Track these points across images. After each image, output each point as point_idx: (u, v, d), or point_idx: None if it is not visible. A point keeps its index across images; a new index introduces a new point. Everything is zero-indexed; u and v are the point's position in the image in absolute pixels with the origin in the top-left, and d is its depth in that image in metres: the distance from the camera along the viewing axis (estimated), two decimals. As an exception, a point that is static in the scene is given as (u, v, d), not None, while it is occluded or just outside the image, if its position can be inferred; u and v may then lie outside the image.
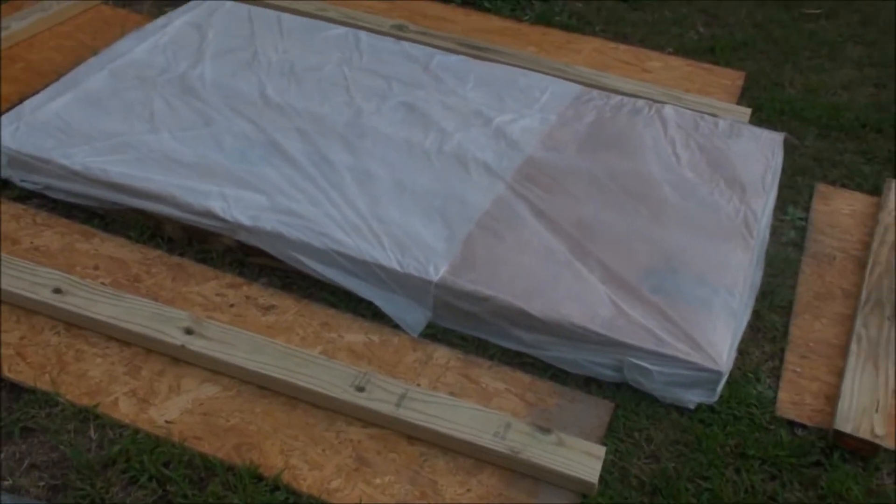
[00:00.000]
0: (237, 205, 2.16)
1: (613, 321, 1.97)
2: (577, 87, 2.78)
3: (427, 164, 2.39)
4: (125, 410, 1.78)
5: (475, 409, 1.82)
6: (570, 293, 2.04)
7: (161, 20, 2.92)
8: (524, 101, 2.69)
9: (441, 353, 1.99)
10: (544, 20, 3.33)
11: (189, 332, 1.90)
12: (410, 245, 2.11)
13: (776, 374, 2.02)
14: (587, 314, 1.98)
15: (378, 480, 1.71)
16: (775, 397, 1.96)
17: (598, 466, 1.73)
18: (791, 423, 1.92)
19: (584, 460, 1.74)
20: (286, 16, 3.01)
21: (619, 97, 2.75)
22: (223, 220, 2.13)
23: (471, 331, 2.04)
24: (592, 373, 1.96)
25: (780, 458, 1.82)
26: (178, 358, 1.89)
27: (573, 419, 1.87)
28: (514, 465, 1.75)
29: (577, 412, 1.89)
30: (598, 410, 1.90)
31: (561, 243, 2.17)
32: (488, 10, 3.37)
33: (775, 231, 2.43)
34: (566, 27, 3.31)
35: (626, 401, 1.92)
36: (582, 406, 1.91)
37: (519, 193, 2.31)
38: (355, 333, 2.01)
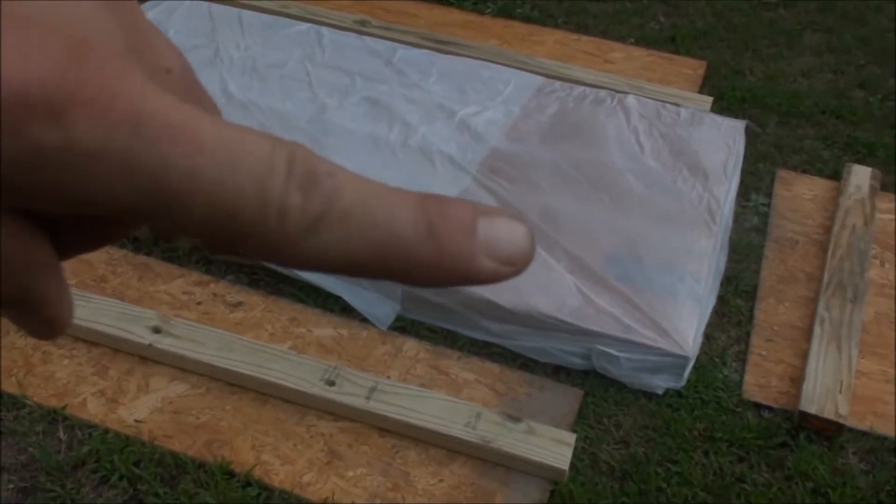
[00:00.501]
0: (202, 202, 2.15)
1: (581, 310, 1.99)
2: (539, 79, 2.80)
3: (392, 158, 2.39)
4: (94, 411, 1.77)
5: (445, 400, 1.84)
6: (537, 283, 2.05)
7: (121, 19, 2.90)
8: (487, 94, 2.70)
9: (410, 346, 2.00)
10: (506, 13, 3.35)
11: (157, 330, 1.90)
12: (377, 239, 2.11)
13: (742, 357, 2.05)
14: (555, 304, 2.00)
15: (350, 473, 1.71)
16: (741, 381, 1.99)
17: (569, 453, 1.75)
18: (757, 406, 1.95)
19: (554, 448, 1.75)
20: (247, 13, 3.00)
21: (581, 88, 2.77)
22: (188, 218, 2.12)
23: (440, 322, 2.05)
24: (561, 361, 1.98)
25: (747, 441, 1.85)
26: (147, 357, 1.88)
27: (543, 407, 1.89)
28: (485, 455, 1.76)
29: (547, 400, 1.91)
30: (568, 398, 1.92)
31: (527, 234, 2.18)
32: (451, 4, 3.37)
33: (738, 217, 2.46)
34: (528, 19, 3.32)
35: (595, 388, 1.94)
36: (552, 394, 1.92)
37: (485, 185, 2.33)
38: (324, 328, 2.01)
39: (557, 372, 1.98)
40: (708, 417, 1.89)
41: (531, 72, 2.85)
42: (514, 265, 0.23)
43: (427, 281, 0.22)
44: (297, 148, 0.20)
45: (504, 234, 0.23)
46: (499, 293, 2.00)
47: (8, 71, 0.17)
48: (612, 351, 1.92)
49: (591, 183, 2.37)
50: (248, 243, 0.20)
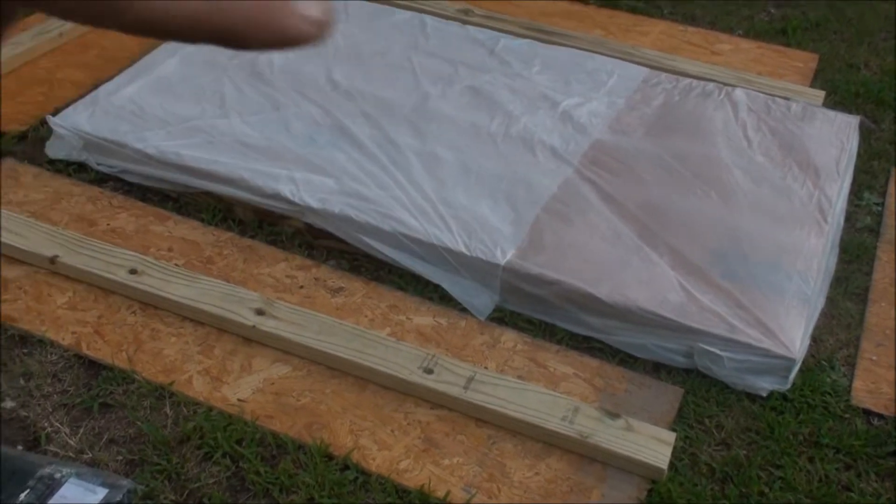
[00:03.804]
0: (306, 188, 2.18)
1: (683, 306, 1.95)
2: (644, 70, 2.75)
3: (493, 148, 2.38)
4: (199, 388, 1.82)
5: (543, 393, 1.82)
6: (638, 277, 2.02)
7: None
8: (591, 85, 2.66)
9: (508, 337, 1.99)
10: (611, 2, 3.30)
11: (260, 312, 1.93)
12: (477, 228, 2.11)
13: (851, 362, 1.98)
14: (656, 299, 1.96)
15: (447, 461, 1.72)
16: (850, 386, 1.92)
17: (668, 452, 1.71)
18: (867, 413, 1.88)
19: (653, 446, 1.73)
20: (353, 2, 3.02)
21: (688, 80, 2.71)
22: (292, 203, 2.16)
23: (538, 314, 2.04)
24: (662, 358, 1.94)
25: (855, 448, 1.79)
26: (250, 338, 1.92)
27: (642, 404, 1.86)
28: (582, 450, 1.74)
29: (647, 398, 1.88)
30: (668, 396, 1.88)
31: (629, 227, 2.15)
32: (554, -6, 3.34)
33: (850, 216, 2.38)
34: (633, 10, 3.27)
35: (695, 387, 1.90)
36: (651, 391, 1.89)
37: (586, 177, 2.30)
38: (423, 316, 2.02)
39: (657, 369, 1.94)
40: (814, 422, 1.83)
41: (636, 63, 2.80)
42: (320, 26, 0.28)
43: (250, 38, 0.27)
44: None
45: (308, 4, 0.28)
46: (599, 286, 1.97)
47: None
48: (716, 350, 1.88)
49: (696, 177, 2.32)
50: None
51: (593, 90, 2.64)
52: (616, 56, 2.83)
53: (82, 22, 0.22)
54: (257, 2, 0.26)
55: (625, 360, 1.96)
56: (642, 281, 2.01)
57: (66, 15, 0.22)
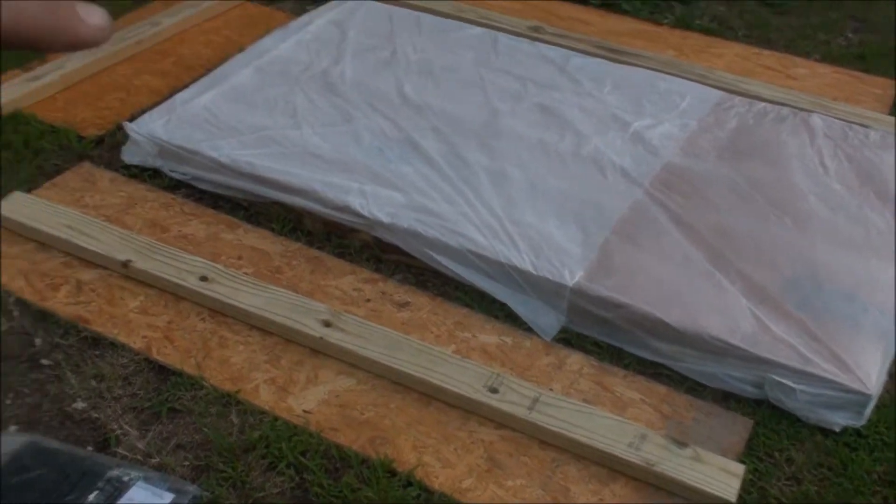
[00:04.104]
0: (375, 201, 2.19)
1: (755, 336, 1.91)
2: (718, 93, 2.71)
3: (563, 167, 2.37)
4: (265, 398, 1.83)
5: (609, 418, 1.80)
6: (709, 304, 1.99)
7: (304, 18, 2.99)
8: (663, 106, 2.64)
9: (574, 359, 1.97)
10: (684, 23, 3.27)
11: (327, 324, 1.94)
12: (545, 248, 2.09)
13: (928, 399, 1.93)
14: (727, 327, 1.93)
15: (510, 483, 1.70)
16: (927, 424, 1.87)
17: (737, 485, 1.68)
18: (944, 453, 1.82)
19: (721, 477, 1.69)
20: (425, 15, 3.04)
21: (762, 104, 2.66)
22: (361, 216, 2.17)
23: (605, 337, 2.01)
24: (731, 388, 1.91)
25: (931, 489, 1.73)
26: (316, 349, 1.93)
27: (710, 434, 1.83)
28: (648, 478, 1.71)
29: (715, 427, 1.84)
30: (737, 427, 1.85)
31: (700, 252, 2.12)
32: (626, 12, 3.32)
33: (929, 249, 2.31)
34: (707, 31, 3.23)
35: (766, 419, 1.86)
36: (720, 421, 1.86)
37: (657, 200, 2.27)
38: (488, 334, 2.01)
39: (727, 398, 1.91)
40: (889, 461, 1.78)
41: (709, 85, 2.77)
42: (103, 30, 0.34)
43: (50, 40, 0.33)
44: None
45: (93, 11, 0.34)
46: (668, 312, 1.95)
47: None
48: (788, 382, 1.84)
49: (770, 203, 2.27)
50: None
51: (665, 112, 2.61)
52: (689, 78, 2.80)
53: None
54: (54, 16, 0.33)
55: (693, 387, 1.92)
56: (713, 307, 1.97)
57: None
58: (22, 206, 2.21)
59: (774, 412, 1.87)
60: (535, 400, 1.81)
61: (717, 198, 2.29)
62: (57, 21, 0.33)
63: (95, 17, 0.34)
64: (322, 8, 3.06)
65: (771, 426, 1.84)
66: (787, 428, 1.84)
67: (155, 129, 2.40)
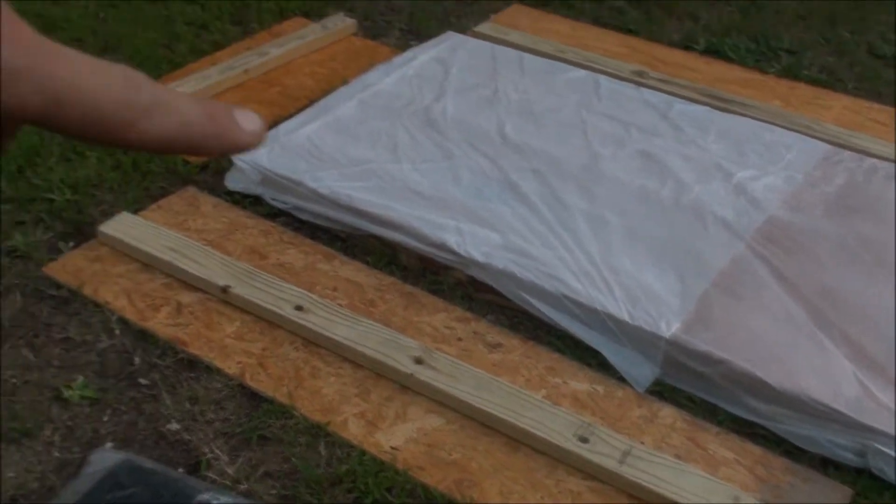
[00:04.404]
0: (471, 240, 2.19)
1: (859, 401, 1.84)
2: (825, 147, 2.65)
3: (662, 215, 2.34)
4: (354, 431, 1.83)
5: (702, 477, 1.75)
6: (811, 365, 1.92)
7: (408, 54, 3.03)
8: (768, 158, 2.58)
9: (667, 413, 1.93)
10: (791, 73, 3.20)
11: (419, 361, 1.94)
12: (642, 297, 2.06)
13: None
14: (829, 390, 1.86)
15: (597, 537, 1.66)
16: None
17: (835, 557, 1.61)
18: None
19: (819, 548, 1.63)
20: (528, 56, 3.04)
21: (872, 160, 2.59)
22: (457, 254, 2.17)
23: (700, 392, 1.97)
24: (831, 454, 1.84)
25: None
26: (406, 386, 1.93)
27: (807, 501, 1.76)
28: (741, 542, 1.66)
29: (812, 494, 1.78)
30: (836, 495, 1.77)
31: (803, 311, 2.06)
32: (731, 60, 3.27)
33: None
34: (815, 82, 3.16)
35: (867, 489, 1.78)
36: (817, 488, 1.79)
37: (759, 254, 2.21)
38: (580, 381, 1.98)
39: (825, 464, 1.84)
40: None
41: (816, 138, 2.70)
42: (257, 136, 0.36)
43: (211, 147, 0.35)
44: (128, 68, 0.32)
45: (248, 117, 0.36)
46: (768, 370, 1.89)
47: None
48: (892, 452, 1.76)
49: (878, 264, 2.20)
50: (104, 128, 0.31)
51: (770, 163, 2.55)
52: (796, 129, 2.74)
53: (89, 142, 0.33)
54: (214, 123, 0.35)
55: (790, 450, 1.86)
56: (815, 369, 1.91)
57: (74, 135, 0.33)
58: (128, 227, 2.28)
59: (876, 483, 1.79)
60: (626, 453, 1.78)
61: (823, 255, 2.22)
62: (216, 129, 0.35)
63: (251, 122, 0.36)
64: (426, 44, 3.09)
65: (872, 497, 1.77)
66: (889, 500, 1.76)
67: (259, 157, 2.45)
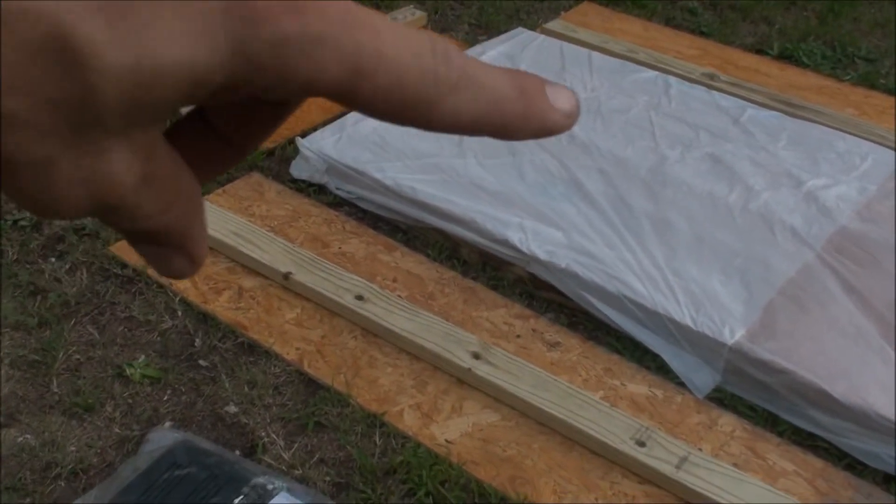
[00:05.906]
0: (534, 238, 2.18)
1: (928, 419, 1.79)
2: (901, 157, 2.58)
3: (729, 221, 2.29)
4: (409, 423, 1.83)
5: (761, 487, 1.72)
6: (878, 381, 1.87)
7: (477, 48, 3.02)
8: (841, 167, 2.52)
9: (726, 420, 1.89)
10: (867, 81, 3.12)
11: (476, 356, 1.93)
12: (706, 303, 2.03)
13: None
14: (897, 406, 1.81)
15: (650, 543, 1.64)
16: None
17: (897, 577, 1.57)
18: None
19: (880, 567, 1.58)
20: (596, 54, 3.02)
21: (950, 173, 2.51)
22: (519, 250, 2.16)
23: (761, 402, 1.93)
24: (894, 470, 1.79)
25: None
26: (463, 380, 1.92)
27: (869, 518, 1.71)
28: (799, 557, 1.62)
29: (875, 512, 1.73)
30: (900, 514, 1.73)
31: (872, 325, 2.00)
32: (806, 66, 3.20)
33: None
34: (892, 91, 3.08)
35: (933, 510, 1.73)
36: (880, 506, 1.74)
37: (828, 265, 2.16)
38: (638, 384, 1.96)
39: (888, 481, 1.79)
40: None
41: (891, 148, 2.63)
42: (571, 117, 0.30)
43: (517, 130, 0.29)
44: (435, 35, 0.28)
45: (562, 94, 0.30)
46: (833, 383, 1.85)
47: None
48: (961, 473, 1.71)
49: (953, 280, 2.13)
50: (404, 105, 0.27)
51: (843, 172, 2.49)
52: (870, 139, 2.67)
53: (382, 119, 0.28)
54: (525, 100, 0.29)
55: (852, 465, 1.81)
56: (883, 385, 1.86)
57: (368, 112, 0.29)
58: (195, 210, 2.31)
59: (943, 504, 1.74)
60: (684, 459, 1.75)
61: (894, 268, 2.16)
62: (527, 107, 0.29)
63: (565, 100, 0.30)
64: (494, 39, 3.08)
65: (938, 519, 1.72)
66: (956, 523, 1.71)
67: (325, 146, 2.47)
